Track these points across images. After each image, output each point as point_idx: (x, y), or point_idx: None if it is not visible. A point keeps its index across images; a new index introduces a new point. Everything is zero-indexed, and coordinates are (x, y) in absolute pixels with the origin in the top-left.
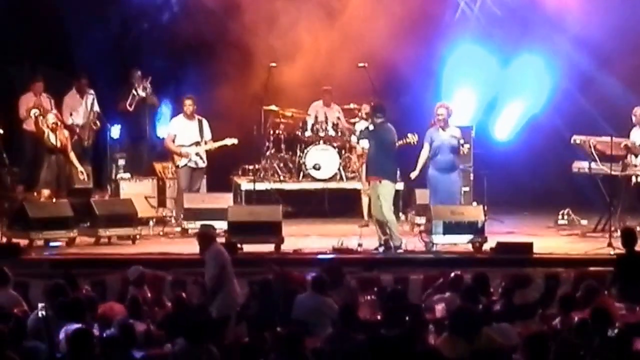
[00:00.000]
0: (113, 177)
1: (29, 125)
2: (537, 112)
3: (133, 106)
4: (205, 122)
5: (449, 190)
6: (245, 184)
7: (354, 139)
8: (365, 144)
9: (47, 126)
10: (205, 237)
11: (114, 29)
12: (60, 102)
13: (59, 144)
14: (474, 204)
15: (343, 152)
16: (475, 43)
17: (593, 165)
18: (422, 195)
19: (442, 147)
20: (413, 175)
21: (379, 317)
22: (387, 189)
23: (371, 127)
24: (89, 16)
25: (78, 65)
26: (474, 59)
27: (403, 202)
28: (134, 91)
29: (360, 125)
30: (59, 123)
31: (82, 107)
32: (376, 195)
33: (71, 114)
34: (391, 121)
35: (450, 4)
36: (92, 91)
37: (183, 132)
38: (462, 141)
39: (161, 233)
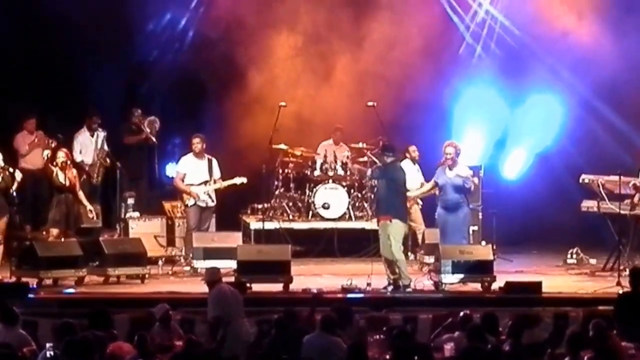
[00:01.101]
0: (122, 216)
1: (28, 163)
2: (545, 151)
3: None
4: (214, 161)
5: (456, 228)
6: (254, 223)
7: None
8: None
9: (57, 165)
10: (210, 280)
11: (126, 70)
12: (70, 140)
13: (67, 183)
14: (483, 243)
15: (352, 191)
16: (485, 82)
17: (602, 204)
18: (431, 235)
19: (446, 187)
20: (412, 193)
21: (387, 357)
22: (397, 228)
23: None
24: (100, 57)
25: (89, 105)
26: (483, 99)
27: (412, 242)
28: (143, 127)
29: (406, 165)
30: (68, 162)
31: (91, 145)
32: (386, 234)
33: (80, 152)
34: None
35: (462, 43)
36: (101, 129)
37: (192, 171)
38: (470, 179)
39: (170, 272)
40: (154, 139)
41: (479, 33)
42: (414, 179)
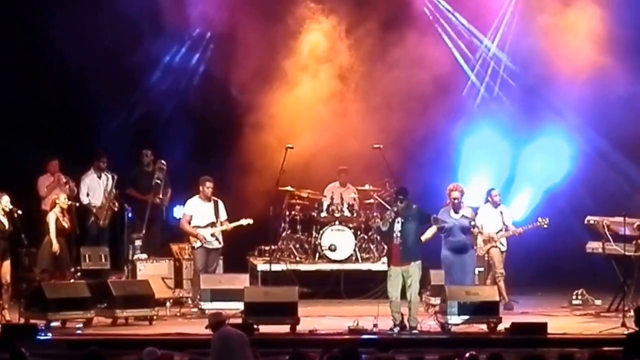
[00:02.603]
0: (130, 258)
1: (47, 205)
2: (551, 190)
3: (161, 195)
4: (220, 203)
5: (462, 270)
6: (261, 265)
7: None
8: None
9: (60, 207)
10: (213, 324)
11: (134, 112)
12: (77, 182)
13: (66, 226)
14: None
15: (359, 233)
16: (491, 124)
17: (607, 245)
18: (436, 276)
19: (454, 229)
20: (423, 237)
21: None
22: (418, 270)
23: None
24: (108, 99)
25: (96, 147)
26: (489, 140)
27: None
28: (156, 180)
29: (487, 209)
30: (74, 204)
31: (99, 187)
32: (407, 276)
33: (88, 194)
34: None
35: (467, 85)
36: (109, 172)
37: (199, 213)
38: (473, 223)
39: (178, 314)
40: (158, 201)
41: (496, 71)
42: (494, 224)
